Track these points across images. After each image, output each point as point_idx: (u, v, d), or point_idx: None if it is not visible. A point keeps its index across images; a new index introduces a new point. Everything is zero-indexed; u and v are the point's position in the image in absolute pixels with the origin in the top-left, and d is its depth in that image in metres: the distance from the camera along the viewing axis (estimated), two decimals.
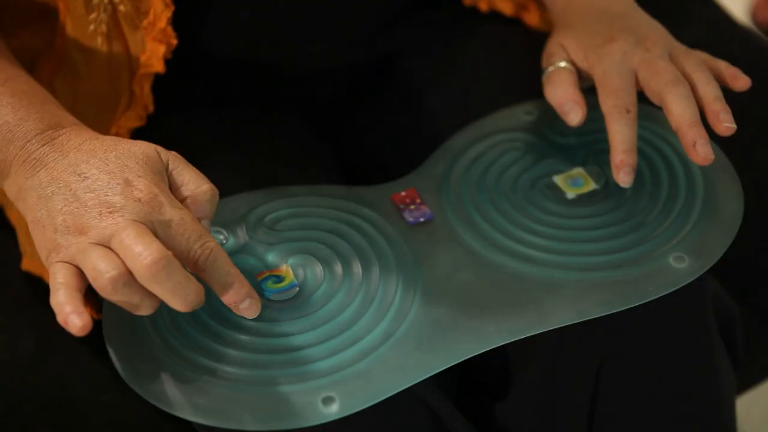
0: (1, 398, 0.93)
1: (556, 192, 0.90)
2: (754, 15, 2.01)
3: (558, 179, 0.91)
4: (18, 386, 0.94)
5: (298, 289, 0.82)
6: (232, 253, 0.83)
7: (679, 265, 0.83)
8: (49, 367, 0.95)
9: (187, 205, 0.78)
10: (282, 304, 0.81)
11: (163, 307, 0.79)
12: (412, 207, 0.89)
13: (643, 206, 0.88)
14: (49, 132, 0.79)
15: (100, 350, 0.95)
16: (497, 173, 0.92)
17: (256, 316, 0.77)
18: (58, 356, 0.96)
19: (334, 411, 0.74)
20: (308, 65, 1.03)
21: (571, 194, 0.90)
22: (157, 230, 0.73)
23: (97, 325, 0.95)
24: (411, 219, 0.88)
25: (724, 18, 1.23)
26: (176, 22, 0.90)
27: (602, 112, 0.87)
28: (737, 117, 1.12)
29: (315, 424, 0.75)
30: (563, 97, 0.89)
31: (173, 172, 0.79)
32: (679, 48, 0.90)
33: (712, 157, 0.83)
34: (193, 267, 0.75)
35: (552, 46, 0.94)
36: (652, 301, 0.82)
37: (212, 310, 0.80)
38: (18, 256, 1.01)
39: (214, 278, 0.75)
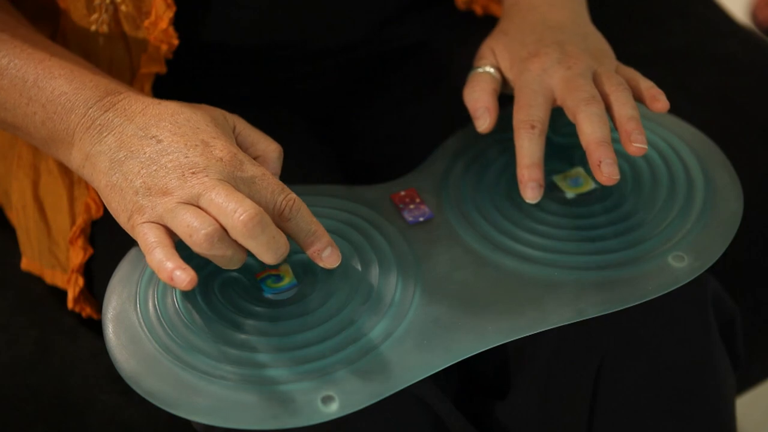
0: (1, 398, 0.93)
1: (556, 191, 0.90)
2: (754, 15, 2.01)
3: (557, 179, 0.91)
4: (18, 386, 0.94)
5: (297, 288, 0.82)
6: None
7: (679, 265, 0.83)
8: (49, 367, 0.95)
9: (259, 163, 0.81)
10: (281, 303, 0.81)
11: (162, 307, 0.79)
12: (412, 206, 0.89)
13: (642, 205, 0.88)
14: (109, 98, 0.81)
15: (100, 350, 0.95)
16: (497, 173, 0.92)
17: (337, 265, 0.80)
18: (58, 356, 0.96)
19: (333, 410, 0.74)
20: (309, 65, 1.04)
21: (570, 194, 0.90)
22: (241, 187, 0.76)
23: (96, 325, 0.95)
24: (410, 218, 0.88)
25: (724, 17, 1.23)
26: (177, 22, 0.90)
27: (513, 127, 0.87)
28: (737, 116, 1.13)
29: (314, 424, 0.75)
30: (478, 101, 0.90)
31: (241, 133, 0.83)
32: (607, 65, 0.90)
33: (617, 177, 0.83)
34: (279, 218, 0.78)
35: (483, 49, 0.94)
36: (651, 300, 0.82)
37: (211, 310, 0.80)
38: (18, 256, 1.01)
39: (299, 227, 0.78)
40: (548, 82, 0.88)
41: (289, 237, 0.79)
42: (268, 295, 0.81)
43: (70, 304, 0.94)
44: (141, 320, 0.79)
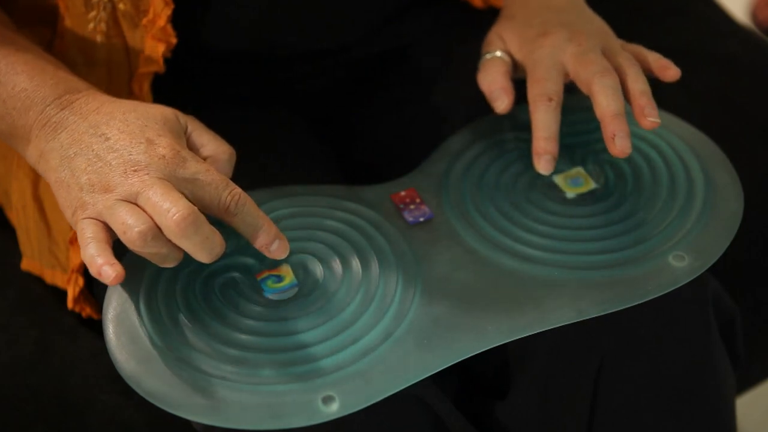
0: (1, 398, 0.93)
1: (556, 191, 0.90)
2: (754, 15, 2.01)
3: (558, 179, 0.91)
4: (18, 386, 0.94)
5: (297, 288, 0.82)
6: (232, 253, 0.83)
7: (679, 264, 0.83)
8: (49, 367, 0.95)
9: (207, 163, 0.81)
10: (282, 303, 0.81)
11: (163, 307, 0.79)
12: (412, 207, 0.89)
13: (642, 205, 0.88)
14: (67, 96, 0.82)
15: (100, 350, 0.95)
16: (497, 173, 0.92)
17: (285, 256, 0.81)
18: (58, 356, 0.96)
19: (334, 410, 0.74)
20: (308, 65, 1.03)
21: (570, 194, 0.90)
22: (183, 185, 0.77)
23: (96, 325, 0.95)
24: (411, 218, 0.88)
25: (724, 17, 1.23)
26: (176, 21, 0.90)
27: (528, 102, 0.89)
28: (737, 116, 1.12)
29: (315, 424, 0.75)
30: (493, 84, 0.92)
31: (192, 134, 0.83)
32: (613, 44, 0.92)
33: (629, 150, 0.85)
34: (224, 214, 0.78)
35: (491, 35, 0.96)
36: (651, 300, 0.82)
37: (211, 310, 0.80)
38: (18, 256, 1.01)
39: (245, 222, 0.79)
40: (560, 57, 0.90)
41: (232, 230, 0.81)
42: (269, 296, 0.81)
43: (70, 304, 0.94)
44: (141, 320, 0.79)
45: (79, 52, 0.91)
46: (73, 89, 0.83)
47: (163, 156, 0.77)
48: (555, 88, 0.88)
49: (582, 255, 0.84)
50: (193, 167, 0.78)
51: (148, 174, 0.76)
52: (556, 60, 0.90)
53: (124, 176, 0.77)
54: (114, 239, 0.77)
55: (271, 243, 0.80)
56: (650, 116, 0.86)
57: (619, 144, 0.84)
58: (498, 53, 0.94)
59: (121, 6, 0.88)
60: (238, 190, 0.79)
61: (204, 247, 0.76)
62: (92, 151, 0.78)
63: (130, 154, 0.77)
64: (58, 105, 0.81)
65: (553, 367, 0.87)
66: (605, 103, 0.85)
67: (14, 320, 0.98)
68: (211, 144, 0.83)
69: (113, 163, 0.77)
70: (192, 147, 0.83)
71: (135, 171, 0.77)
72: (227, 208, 0.78)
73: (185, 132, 0.83)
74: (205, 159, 0.82)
